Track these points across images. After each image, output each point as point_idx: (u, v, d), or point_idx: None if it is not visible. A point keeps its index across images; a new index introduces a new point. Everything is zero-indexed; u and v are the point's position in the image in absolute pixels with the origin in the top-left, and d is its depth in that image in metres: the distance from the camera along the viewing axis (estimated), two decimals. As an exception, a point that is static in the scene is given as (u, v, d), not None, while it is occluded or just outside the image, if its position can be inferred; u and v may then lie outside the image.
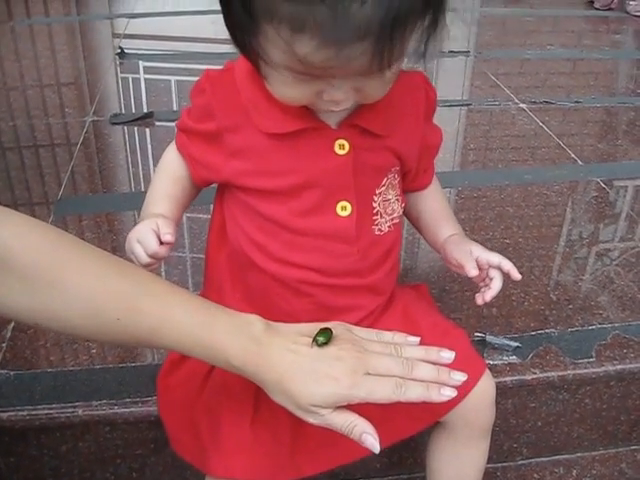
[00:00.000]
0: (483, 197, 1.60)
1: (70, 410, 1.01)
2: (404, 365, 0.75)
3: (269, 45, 0.67)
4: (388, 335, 0.81)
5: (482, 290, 0.95)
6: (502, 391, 1.11)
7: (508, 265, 0.93)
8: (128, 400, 1.03)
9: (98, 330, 0.72)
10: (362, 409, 0.77)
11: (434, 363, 0.77)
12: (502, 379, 1.10)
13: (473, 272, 0.92)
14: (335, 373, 0.72)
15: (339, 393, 0.72)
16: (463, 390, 0.89)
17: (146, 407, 1.03)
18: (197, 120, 0.88)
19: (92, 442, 1.06)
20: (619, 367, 1.14)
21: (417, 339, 0.81)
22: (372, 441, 0.72)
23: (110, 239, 1.41)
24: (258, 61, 0.71)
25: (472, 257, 0.94)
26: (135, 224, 0.86)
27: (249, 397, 0.87)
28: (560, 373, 1.12)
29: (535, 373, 1.11)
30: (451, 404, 0.90)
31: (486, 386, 0.94)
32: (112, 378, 1.06)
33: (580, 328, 1.20)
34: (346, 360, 0.73)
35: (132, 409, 1.03)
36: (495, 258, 0.94)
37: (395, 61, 0.68)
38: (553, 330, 1.19)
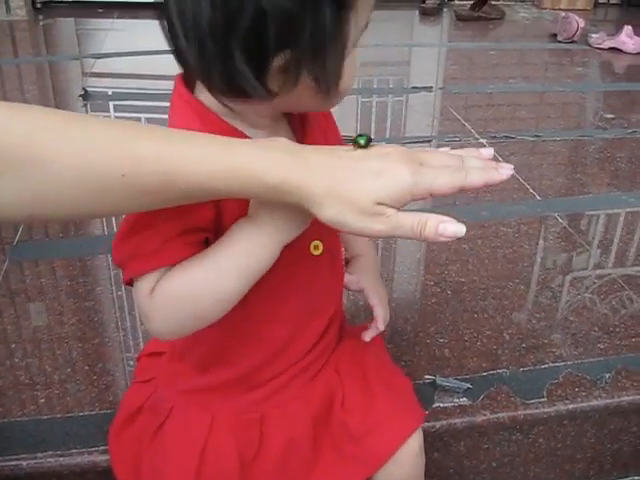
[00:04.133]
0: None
1: (14, 463, 1.00)
2: (454, 158, 0.71)
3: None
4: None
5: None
6: (453, 433, 1.11)
7: (378, 313, 0.97)
8: (75, 451, 1.02)
9: (100, 199, 0.63)
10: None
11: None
12: (452, 421, 1.09)
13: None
14: (391, 165, 0.67)
15: (402, 182, 0.66)
16: (392, 444, 0.90)
17: (92, 457, 1.01)
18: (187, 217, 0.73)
19: (37, 496, 1.04)
20: (571, 406, 1.14)
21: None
22: (454, 226, 0.67)
23: (66, 285, 1.40)
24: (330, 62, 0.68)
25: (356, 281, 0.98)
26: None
27: (193, 458, 0.86)
28: (511, 414, 1.11)
29: (485, 415, 1.10)
30: (380, 460, 0.89)
31: (417, 437, 0.93)
32: (59, 428, 1.05)
33: (532, 367, 1.20)
34: (396, 154, 0.68)
35: (78, 460, 1.01)
36: (372, 301, 0.97)
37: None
38: (505, 370, 1.19)
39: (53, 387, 1.13)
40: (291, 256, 0.80)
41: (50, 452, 1.01)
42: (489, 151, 0.74)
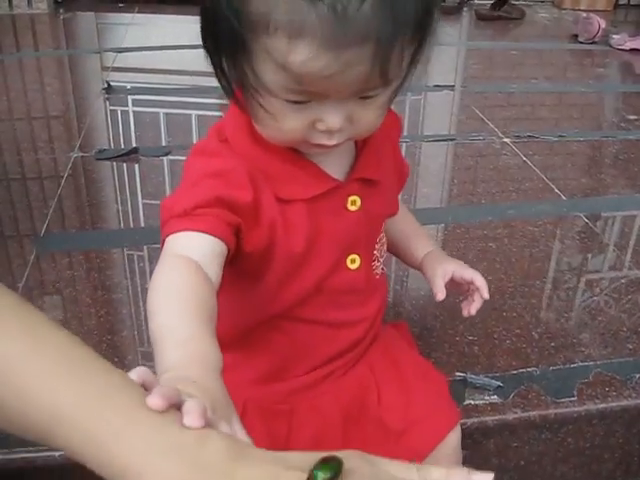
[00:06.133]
0: (466, 233, 1.60)
1: (46, 453, 1.00)
2: None
3: (262, 64, 0.64)
4: (436, 473, 0.54)
5: (468, 300, 0.99)
6: (484, 431, 1.11)
7: (480, 282, 0.97)
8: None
9: None
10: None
11: None
12: (483, 419, 1.09)
13: (439, 296, 0.95)
14: None
15: None
16: (432, 441, 0.90)
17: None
18: (226, 187, 0.72)
19: (69, 485, 1.05)
20: (601, 406, 1.13)
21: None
22: None
23: (92, 277, 1.40)
24: (248, 92, 0.68)
25: (442, 278, 0.97)
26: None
27: None
28: (542, 412, 1.11)
29: (516, 413, 1.10)
30: (419, 457, 0.90)
31: (455, 434, 0.95)
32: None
33: (562, 366, 1.20)
34: None
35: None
36: (468, 274, 0.98)
37: (393, 74, 0.65)
38: (535, 369, 1.18)
39: (83, 378, 1.13)
40: (328, 263, 0.82)
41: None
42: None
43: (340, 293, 0.86)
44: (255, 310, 0.84)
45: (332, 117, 0.67)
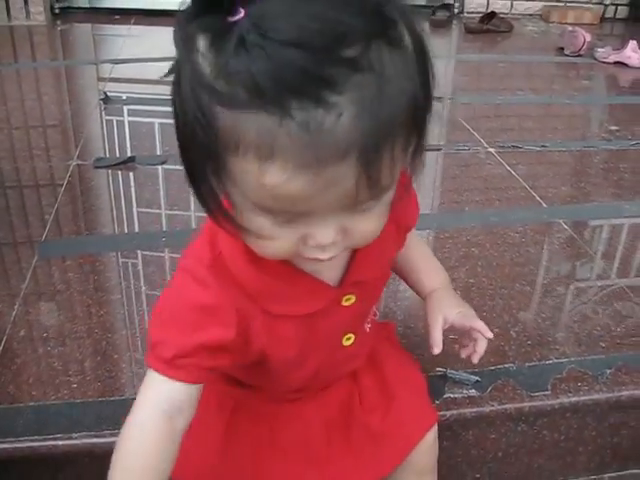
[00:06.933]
0: (450, 239, 1.67)
1: (50, 442, 1.06)
2: None
3: (237, 184, 0.59)
4: None
5: (469, 346, 1.04)
6: (462, 423, 1.17)
7: (481, 328, 1.00)
8: (107, 432, 1.08)
9: None
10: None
11: None
12: (462, 411, 1.16)
13: (435, 351, 0.98)
14: None
15: None
16: (412, 441, 0.97)
17: (124, 439, 1.08)
18: (198, 328, 0.74)
19: (72, 473, 1.11)
20: (573, 399, 1.20)
21: None
22: None
23: (92, 279, 1.47)
24: (231, 213, 0.63)
25: (441, 328, 0.99)
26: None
27: (218, 435, 0.92)
28: (517, 405, 1.18)
29: (493, 405, 1.17)
30: (400, 457, 0.96)
31: (433, 432, 1.01)
32: (91, 411, 1.11)
33: (537, 363, 1.26)
34: None
35: (110, 439, 1.06)
36: (468, 323, 1.00)
37: (384, 186, 0.60)
38: (512, 365, 1.25)
39: (85, 374, 1.19)
40: (325, 351, 0.86)
41: (84, 433, 1.08)
42: None
43: (336, 364, 0.91)
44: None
45: (322, 233, 0.62)
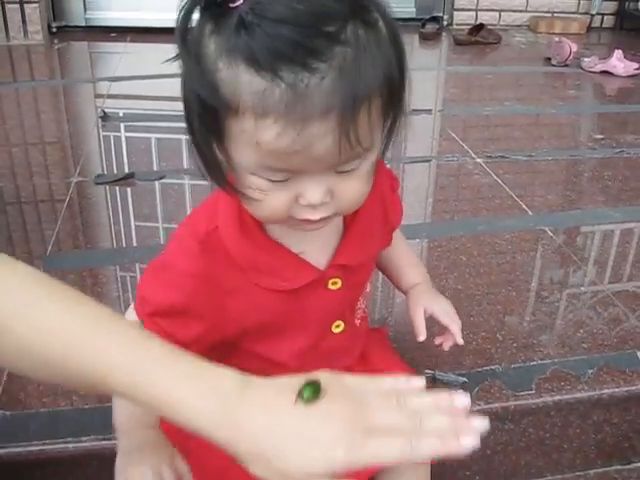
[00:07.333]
0: (439, 247, 1.73)
1: (61, 446, 1.12)
2: (410, 417, 0.63)
3: (237, 146, 0.68)
4: (388, 382, 0.69)
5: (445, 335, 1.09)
6: (451, 422, 1.23)
7: (454, 330, 1.06)
8: (114, 435, 1.14)
9: (43, 370, 0.68)
10: None
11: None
12: (451, 411, 1.22)
13: (420, 338, 1.05)
14: (327, 435, 0.61)
15: (333, 460, 0.60)
16: None
17: (130, 442, 1.14)
18: (176, 288, 0.83)
19: (81, 475, 1.16)
20: (557, 398, 1.26)
21: (422, 382, 0.69)
22: None
23: (94, 292, 1.53)
24: (234, 173, 0.71)
25: (423, 318, 1.06)
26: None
27: None
28: (503, 404, 1.24)
29: (480, 405, 1.23)
30: None
31: None
32: (100, 416, 1.16)
33: (522, 364, 1.32)
34: (340, 417, 0.62)
35: (118, 443, 1.14)
36: (445, 320, 1.07)
37: (364, 147, 0.68)
38: (498, 366, 1.31)
39: (92, 381, 1.25)
40: (313, 333, 0.92)
41: (93, 436, 1.13)
42: (464, 401, 0.67)
43: (327, 352, 0.96)
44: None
45: (311, 191, 0.70)
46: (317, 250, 0.86)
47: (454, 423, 0.63)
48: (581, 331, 1.44)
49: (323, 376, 0.66)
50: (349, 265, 0.88)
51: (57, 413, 1.18)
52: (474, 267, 1.65)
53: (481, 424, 0.64)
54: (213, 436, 0.63)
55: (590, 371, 1.31)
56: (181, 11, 0.66)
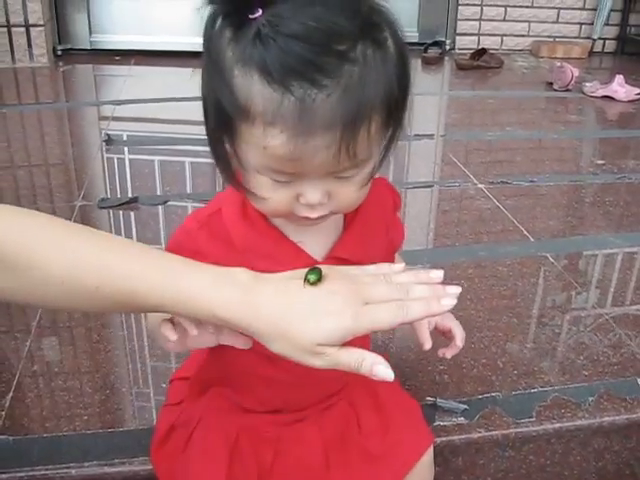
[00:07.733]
0: (440, 273, 1.74)
1: (64, 471, 1.13)
2: (398, 289, 0.76)
3: (246, 146, 0.73)
4: (371, 268, 0.81)
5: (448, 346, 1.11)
6: (452, 449, 1.23)
7: (458, 334, 1.10)
8: (116, 461, 1.14)
9: (78, 301, 0.76)
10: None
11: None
12: (451, 438, 1.22)
13: (426, 346, 1.06)
14: (335, 307, 0.73)
15: (343, 326, 0.72)
16: (409, 463, 1.02)
17: (132, 467, 1.14)
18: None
19: (83, 500, 1.17)
20: (557, 425, 1.26)
21: (402, 265, 0.82)
22: (385, 370, 0.74)
23: (99, 316, 1.54)
24: (243, 170, 0.77)
25: (427, 328, 1.07)
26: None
27: (222, 463, 0.96)
28: (503, 432, 1.24)
29: (480, 432, 1.23)
30: (397, 478, 1.01)
31: (429, 453, 1.07)
32: (102, 442, 1.17)
33: (523, 391, 1.33)
34: (342, 293, 0.75)
35: (120, 469, 1.13)
36: (448, 325, 1.10)
37: (362, 159, 0.74)
38: (498, 393, 1.32)
39: (94, 406, 1.26)
40: None
41: (95, 462, 1.14)
42: (438, 274, 0.79)
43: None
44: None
45: (311, 193, 0.75)
46: (316, 242, 0.89)
47: (434, 290, 0.76)
48: (582, 358, 1.44)
49: (321, 266, 0.78)
50: (346, 260, 0.88)
51: (60, 438, 1.18)
52: (475, 294, 1.66)
53: (455, 289, 0.77)
54: (238, 324, 0.74)
55: (591, 398, 1.32)
56: (206, 16, 0.71)
